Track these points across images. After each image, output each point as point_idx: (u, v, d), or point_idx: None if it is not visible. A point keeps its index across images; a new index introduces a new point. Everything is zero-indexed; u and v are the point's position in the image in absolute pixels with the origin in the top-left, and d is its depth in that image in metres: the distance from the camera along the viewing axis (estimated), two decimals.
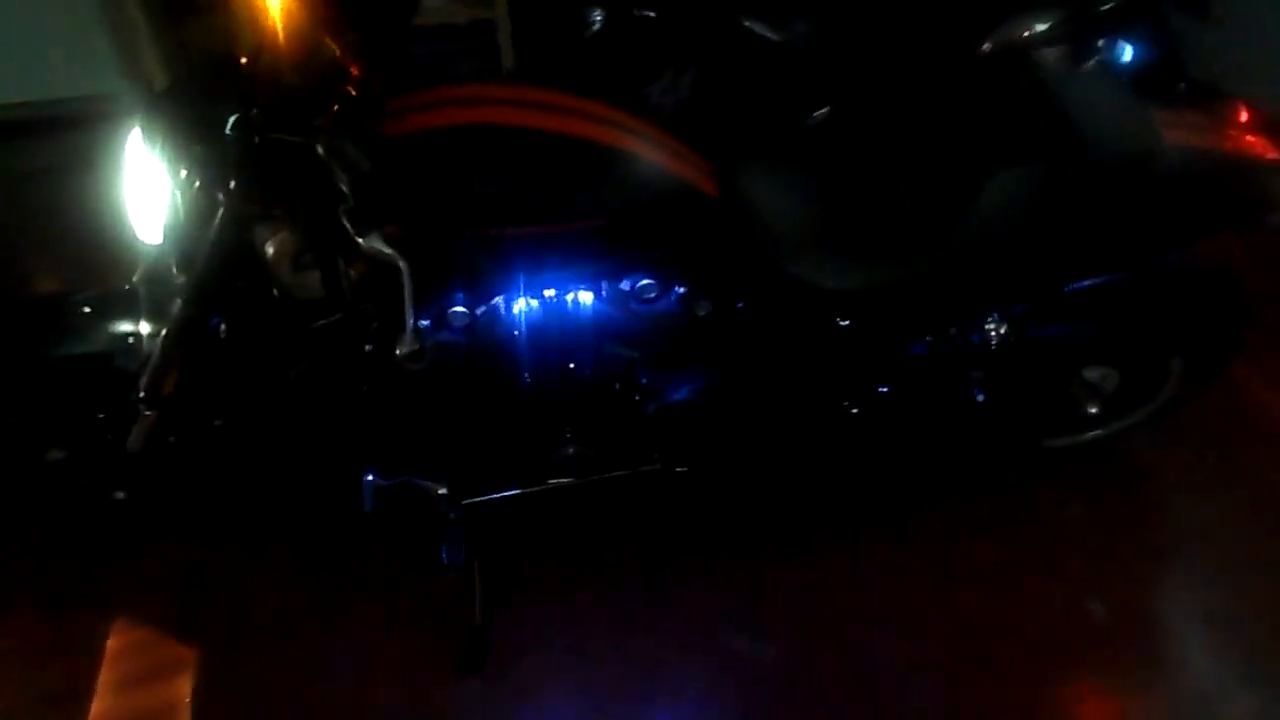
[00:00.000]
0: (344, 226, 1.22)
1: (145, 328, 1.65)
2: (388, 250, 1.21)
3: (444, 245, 1.44)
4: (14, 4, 3.63)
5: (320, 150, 1.22)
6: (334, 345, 1.59)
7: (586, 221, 1.49)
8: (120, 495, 1.84)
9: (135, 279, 1.68)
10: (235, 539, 2.03)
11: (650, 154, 1.55)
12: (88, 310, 1.67)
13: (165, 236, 1.47)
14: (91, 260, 2.77)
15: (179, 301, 1.46)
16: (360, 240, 1.21)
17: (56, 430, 1.74)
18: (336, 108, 1.29)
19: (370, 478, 1.69)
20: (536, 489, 1.83)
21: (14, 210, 3.27)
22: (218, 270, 1.41)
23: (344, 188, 1.21)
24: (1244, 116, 1.72)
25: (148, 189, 1.44)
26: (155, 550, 2.00)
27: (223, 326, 1.57)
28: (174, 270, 1.46)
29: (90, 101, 3.90)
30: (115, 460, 1.74)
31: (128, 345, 1.64)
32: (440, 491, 1.75)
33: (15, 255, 2.99)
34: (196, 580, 1.96)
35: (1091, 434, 2.13)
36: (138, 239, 1.54)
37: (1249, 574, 1.94)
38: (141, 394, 1.53)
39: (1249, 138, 1.69)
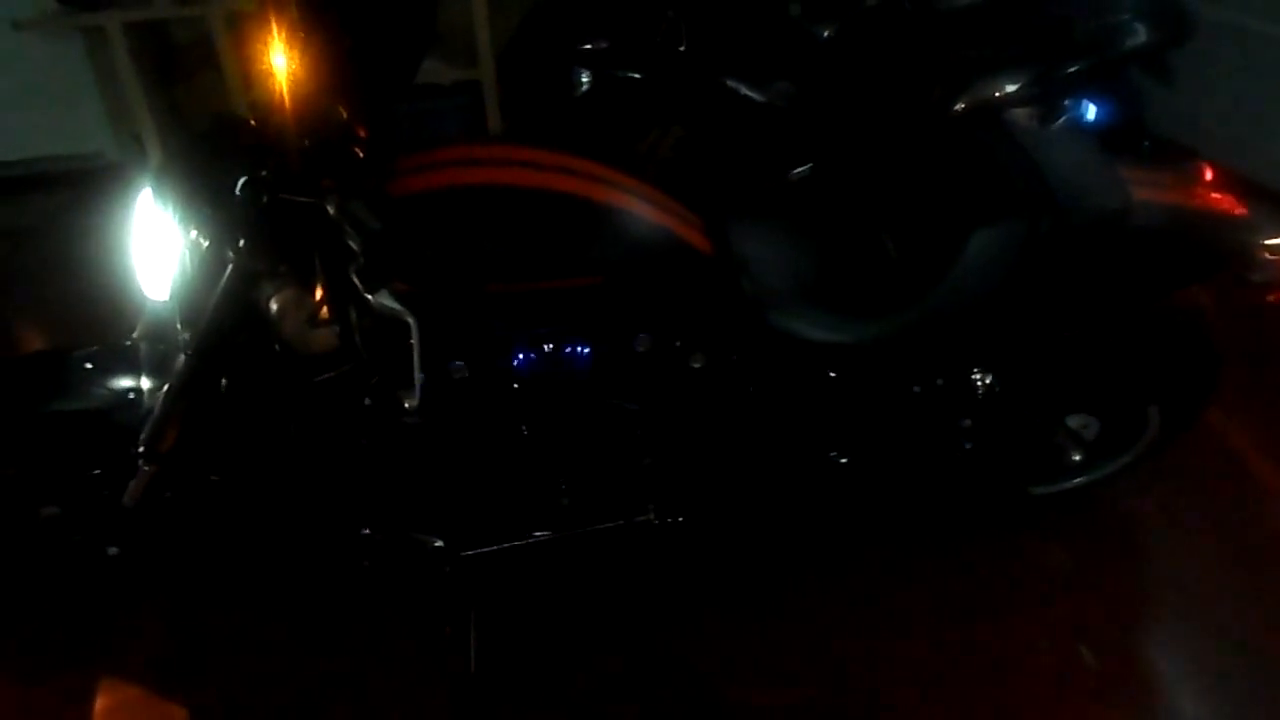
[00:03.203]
0: (354, 284, 1.25)
1: (146, 383, 1.66)
2: (397, 306, 1.25)
3: (447, 301, 1.47)
4: (7, 64, 3.68)
5: (330, 210, 1.26)
6: (334, 400, 1.61)
7: (584, 277, 1.54)
8: (114, 551, 1.83)
9: (136, 335, 1.71)
10: (228, 594, 2.01)
11: (645, 211, 1.60)
12: (89, 365, 1.68)
13: (171, 293, 1.49)
14: (83, 316, 2.80)
15: (182, 357, 1.48)
16: (370, 297, 1.25)
17: (51, 486, 1.73)
18: (345, 168, 1.33)
19: (369, 531, 1.70)
20: (533, 541, 1.84)
21: (6, 266, 3.28)
22: (223, 326, 1.43)
23: (354, 246, 1.25)
24: (1208, 175, 1.81)
25: (156, 247, 1.47)
26: (148, 606, 1.98)
27: (224, 381, 1.59)
28: (179, 326, 1.49)
29: (83, 159, 3.96)
30: (110, 516, 1.74)
31: (128, 401, 1.65)
32: (438, 544, 1.76)
33: (6, 310, 2.98)
34: (189, 637, 1.94)
35: (1075, 481, 2.18)
36: (140, 295, 1.56)
37: (1232, 617, 1.97)
38: (141, 448, 1.54)
39: (1214, 194, 1.78)
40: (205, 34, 3.68)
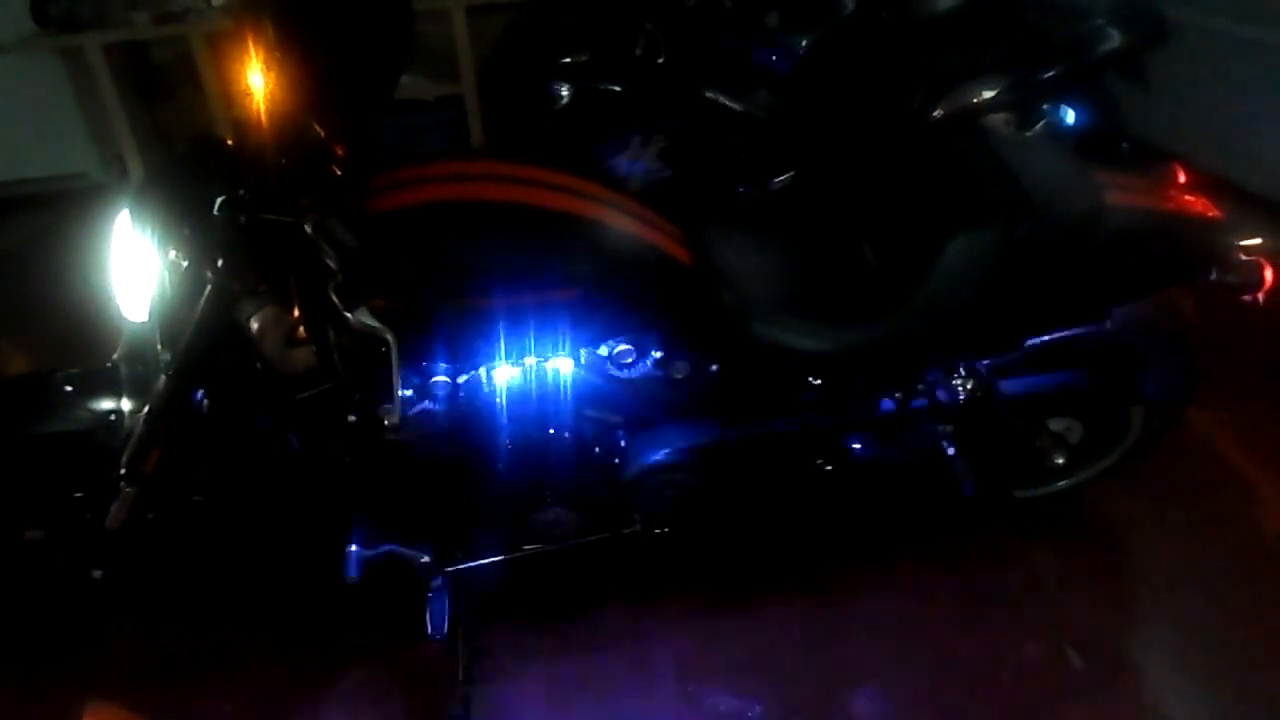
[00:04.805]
0: (333, 302, 1.26)
1: (127, 405, 1.66)
2: (375, 323, 1.25)
3: (427, 317, 1.48)
4: None
5: (308, 229, 1.27)
6: (317, 417, 1.61)
7: (564, 291, 1.54)
8: (98, 574, 1.81)
9: (116, 356, 1.70)
10: (213, 615, 2.01)
11: (624, 224, 1.61)
12: (70, 388, 1.68)
13: (150, 314, 1.49)
14: (65, 338, 2.78)
15: (163, 377, 1.48)
16: (349, 314, 1.25)
17: (34, 509, 1.73)
18: (322, 187, 1.33)
19: (354, 547, 1.69)
20: (519, 554, 1.84)
21: None
22: (203, 345, 1.43)
23: (332, 264, 1.25)
24: (1181, 178, 1.83)
25: (134, 268, 1.47)
26: (132, 628, 1.97)
27: (205, 401, 1.59)
28: (159, 347, 1.48)
29: (66, 180, 3.95)
30: (93, 539, 1.73)
31: (109, 423, 1.65)
32: (423, 560, 1.76)
33: None
34: (174, 659, 1.93)
35: (1060, 484, 2.19)
36: (119, 317, 1.56)
37: (1220, 620, 1.97)
38: (123, 470, 1.54)
39: (1187, 197, 1.80)
40: (185, 53, 3.68)
